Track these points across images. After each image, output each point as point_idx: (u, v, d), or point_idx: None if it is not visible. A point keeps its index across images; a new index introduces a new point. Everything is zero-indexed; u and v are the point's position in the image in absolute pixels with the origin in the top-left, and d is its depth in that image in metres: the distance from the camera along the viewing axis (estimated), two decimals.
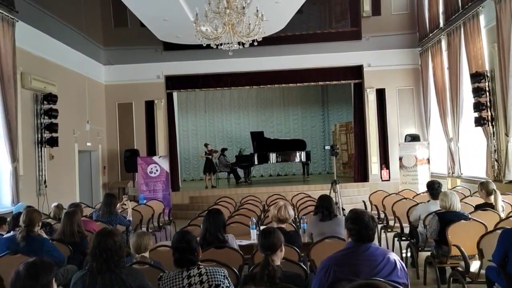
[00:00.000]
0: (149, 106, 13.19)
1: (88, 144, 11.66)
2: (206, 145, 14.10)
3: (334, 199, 8.31)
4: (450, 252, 4.57)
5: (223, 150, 15.08)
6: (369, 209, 8.02)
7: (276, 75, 13.28)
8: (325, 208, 4.75)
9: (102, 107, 12.92)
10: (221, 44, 7.78)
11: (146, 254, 3.57)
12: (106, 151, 12.88)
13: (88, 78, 11.90)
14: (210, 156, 13.73)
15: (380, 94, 13.04)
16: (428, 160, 11.53)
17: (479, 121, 8.95)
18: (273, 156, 14.14)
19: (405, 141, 12.14)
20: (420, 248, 5.41)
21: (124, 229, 6.27)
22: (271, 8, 9.22)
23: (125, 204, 6.82)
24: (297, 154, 14.41)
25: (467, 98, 9.60)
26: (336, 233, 4.29)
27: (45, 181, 9.11)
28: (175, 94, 14.09)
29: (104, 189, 12.40)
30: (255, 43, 7.46)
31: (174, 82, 13.38)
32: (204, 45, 7.68)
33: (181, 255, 2.85)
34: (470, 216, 4.75)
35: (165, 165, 11.56)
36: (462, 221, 4.57)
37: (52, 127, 9.27)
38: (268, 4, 8.90)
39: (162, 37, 11.94)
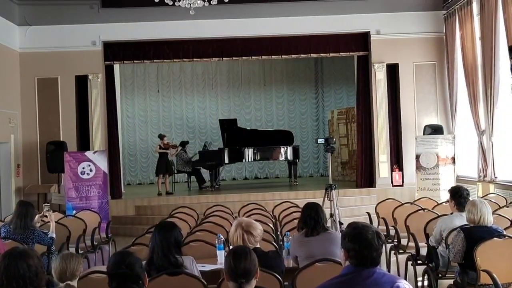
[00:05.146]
0: (81, 83, 13.01)
1: None
2: (161, 136, 13.97)
3: (329, 209, 8.51)
4: (479, 279, 4.64)
5: (184, 144, 14.94)
6: (375, 223, 8.13)
7: (254, 43, 13.26)
8: (310, 218, 4.79)
9: (15, 83, 12.69)
10: (179, 0, 7.72)
11: (74, 283, 3.55)
12: (20, 144, 12.68)
13: None
14: (167, 151, 13.64)
15: (392, 71, 13.17)
16: (454, 159, 11.71)
17: None
18: (249, 153, 14.15)
19: (423, 133, 12.31)
20: (440, 275, 5.50)
21: (45, 250, 6.21)
22: None
23: (46, 216, 6.77)
24: (282, 150, 14.44)
25: (505, 78, 9.72)
26: (328, 254, 4.33)
27: None
28: (116, 67, 13.95)
29: (17, 195, 12.23)
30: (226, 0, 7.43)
31: (115, 51, 13.22)
32: (157, 0, 7.61)
33: (121, 284, 2.84)
34: (505, 232, 4.85)
35: (103, 163, 11.45)
36: (495, 239, 4.66)
37: None
38: None
39: None
